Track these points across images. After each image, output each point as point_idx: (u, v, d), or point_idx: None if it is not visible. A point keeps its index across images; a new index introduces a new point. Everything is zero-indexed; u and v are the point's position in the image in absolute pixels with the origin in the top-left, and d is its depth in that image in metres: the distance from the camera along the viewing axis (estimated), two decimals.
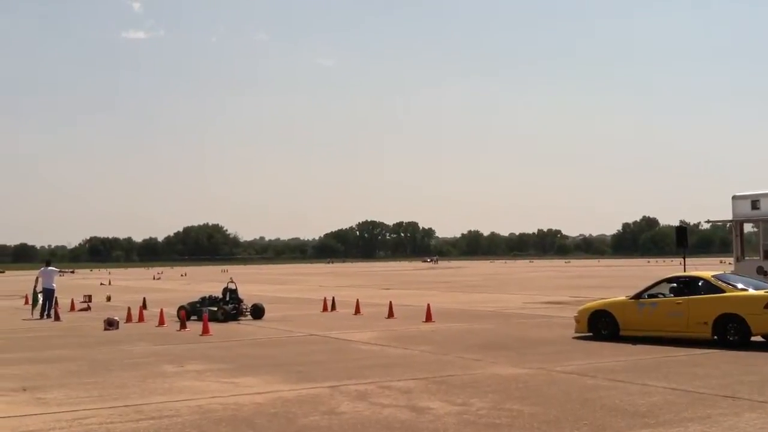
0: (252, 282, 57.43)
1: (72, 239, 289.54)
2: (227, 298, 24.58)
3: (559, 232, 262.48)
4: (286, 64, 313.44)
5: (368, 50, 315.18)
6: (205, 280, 66.00)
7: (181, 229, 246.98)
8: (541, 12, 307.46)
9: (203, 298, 25.15)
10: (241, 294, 25.34)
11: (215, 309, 23.56)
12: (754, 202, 22.74)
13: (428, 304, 23.70)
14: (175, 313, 23.86)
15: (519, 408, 9.65)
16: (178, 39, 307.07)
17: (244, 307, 24.50)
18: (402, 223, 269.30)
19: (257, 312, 24.38)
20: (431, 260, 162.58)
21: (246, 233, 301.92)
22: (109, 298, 37.04)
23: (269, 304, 27.04)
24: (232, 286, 25.12)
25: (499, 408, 9.67)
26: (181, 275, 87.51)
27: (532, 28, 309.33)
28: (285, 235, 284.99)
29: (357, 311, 25.46)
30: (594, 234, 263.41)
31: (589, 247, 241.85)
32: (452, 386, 11.33)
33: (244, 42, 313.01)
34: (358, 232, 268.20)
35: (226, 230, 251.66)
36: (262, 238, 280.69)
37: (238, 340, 18.53)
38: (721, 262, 75.99)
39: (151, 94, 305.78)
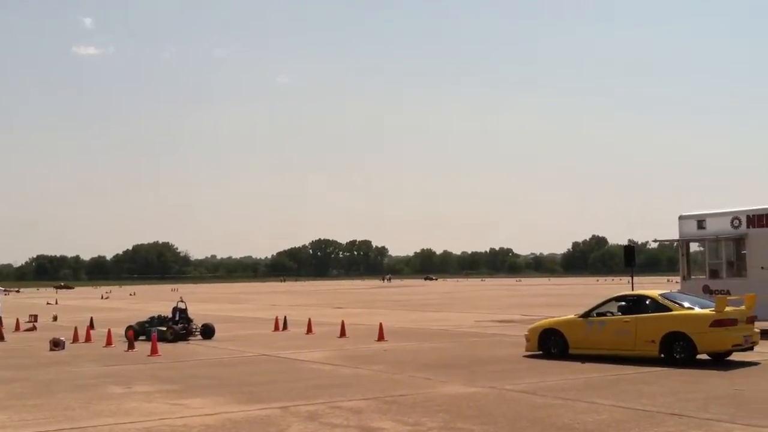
0: (202, 301, 56.80)
1: (18, 257, 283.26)
2: (177, 318, 24.26)
3: (510, 250, 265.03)
4: (242, 80, 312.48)
5: (326, 68, 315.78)
6: (154, 299, 65.09)
7: (130, 247, 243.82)
8: (494, 27, 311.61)
9: (152, 318, 24.81)
10: (191, 313, 25.03)
11: (164, 329, 23.23)
12: (700, 222, 23.18)
13: (380, 323, 23.67)
14: (123, 333, 23.45)
15: (470, 427, 9.67)
16: (131, 54, 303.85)
17: (194, 326, 24.20)
18: (355, 241, 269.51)
19: (207, 332, 24.09)
20: (386, 278, 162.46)
21: (197, 252, 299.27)
22: (55, 318, 36.29)
23: (220, 324, 26.75)
24: (181, 305, 24.81)
25: (450, 427, 9.68)
26: (130, 294, 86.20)
27: (485, 46, 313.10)
28: (237, 254, 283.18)
29: (309, 330, 25.31)
30: (545, 253, 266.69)
31: (539, 266, 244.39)
32: (403, 406, 11.31)
33: (200, 57, 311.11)
34: (311, 251, 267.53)
35: (177, 248, 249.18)
36: (213, 256, 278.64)
37: (187, 361, 18.28)
38: (668, 281, 77.26)
39: (101, 110, 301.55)
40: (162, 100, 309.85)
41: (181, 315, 24.38)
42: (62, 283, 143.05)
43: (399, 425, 9.85)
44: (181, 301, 25.29)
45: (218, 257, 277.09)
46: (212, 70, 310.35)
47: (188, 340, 23.34)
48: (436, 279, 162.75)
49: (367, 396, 12.25)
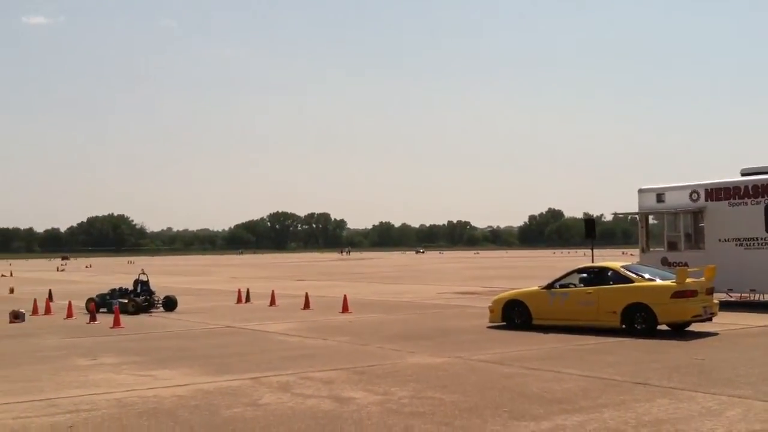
0: (162, 273, 56.26)
1: None
2: (138, 290, 24.08)
3: (468, 223, 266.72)
4: (193, 54, 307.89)
5: (278, 43, 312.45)
6: (110, 272, 64.42)
7: (85, 220, 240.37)
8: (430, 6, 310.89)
9: (113, 290, 24.62)
10: (152, 286, 24.84)
11: (126, 301, 23.06)
12: (660, 195, 23.55)
13: (345, 295, 23.71)
14: (84, 305, 23.20)
15: (440, 396, 9.79)
16: (80, 25, 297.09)
17: (156, 299, 24.05)
18: (314, 214, 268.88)
19: (170, 304, 23.94)
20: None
21: (153, 224, 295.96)
22: (12, 290, 35.76)
23: (181, 296, 26.57)
24: (143, 277, 24.62)
25: (421, 396, 9.79)
26: (86, 266, 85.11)
27: (422, 23, 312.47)
28: (194, 226, 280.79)
29: (272, 302, 25.29)
30: (502, 225, 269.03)
31: (497, 239, 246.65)
32: (373, 376, 11.40)
33: (150, 30, 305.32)
34: (269, 223, 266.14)
35: (132, 221, 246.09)
36: (169, 228, 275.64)
37: (151, 333, 18.18)
38: (623, 253, 78.47)
39: (52, 80, 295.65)
40: (113, 70, 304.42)
41: (143, 287, 24.20)
42: (66, 255, 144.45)
43: (370, 395, 9.93)
44: (143, 273, 25.09)
45: (174, 230, 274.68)
46: (162, 45, 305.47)
47: (150, 312, 23.19)
48: (424, 251, 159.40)
49: (336, 367, 12.31)
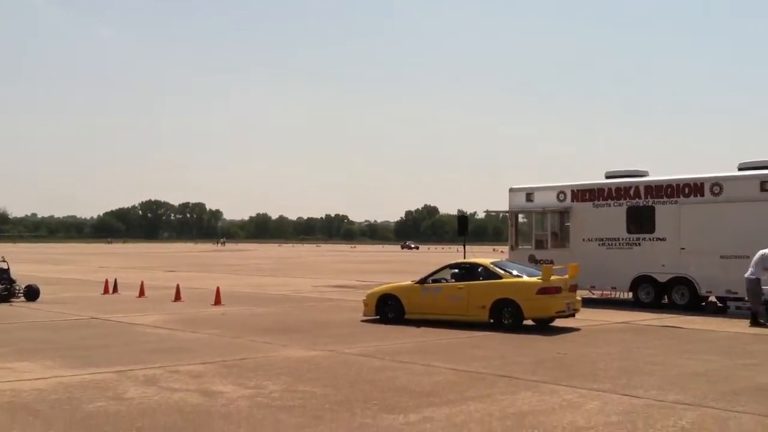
0: (24, 261, 53.67)
1: None
2: None
3: (345, 217, 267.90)
4: (63, 32, 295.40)
5: (151, 22, 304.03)
6: None
7: None
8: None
9: None
10: (13, 274, 23.69)
11: None
12: (529, 195, 24.34)
13: (218, 287, 23.36)
14: None
15: (311, 390, 9.78)
16: None
17: (17, 287, 22.96)
18: (188, 203, 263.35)
19: (31, 293, 22.90)
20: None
21: (16, 209, 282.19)
22: None
23: (44, 286, 25.41)
24: (3, 265, 23.47)
25: (292, 390, 9.75)
26: None
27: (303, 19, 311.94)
28: (60, 213, 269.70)
29: (141, 294, 24.60)
30: (379, 220, 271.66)
31: (374, 233, 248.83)
32: (244, 369, 11.27)
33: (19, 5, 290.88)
34: (141, 212, 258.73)
35: None
36: (34, 214, 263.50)
37: (11, 323, 17.35)
38: (494, 250, 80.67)
39: None
40: None
41: (3, 275, 23.09)
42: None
43: (240, 389, 9.81)
44: (3, 261, 23.90)
45: (39, 216, 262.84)
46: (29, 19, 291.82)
47: (10, 302, 22.14)
48: (418, 248, 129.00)
49: (206, 360, 12.09)
